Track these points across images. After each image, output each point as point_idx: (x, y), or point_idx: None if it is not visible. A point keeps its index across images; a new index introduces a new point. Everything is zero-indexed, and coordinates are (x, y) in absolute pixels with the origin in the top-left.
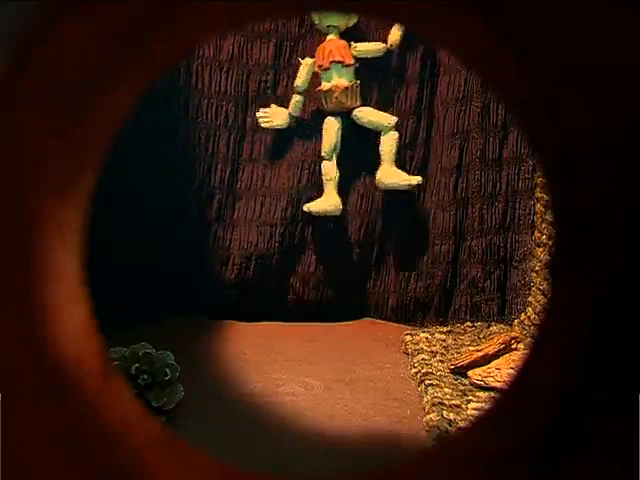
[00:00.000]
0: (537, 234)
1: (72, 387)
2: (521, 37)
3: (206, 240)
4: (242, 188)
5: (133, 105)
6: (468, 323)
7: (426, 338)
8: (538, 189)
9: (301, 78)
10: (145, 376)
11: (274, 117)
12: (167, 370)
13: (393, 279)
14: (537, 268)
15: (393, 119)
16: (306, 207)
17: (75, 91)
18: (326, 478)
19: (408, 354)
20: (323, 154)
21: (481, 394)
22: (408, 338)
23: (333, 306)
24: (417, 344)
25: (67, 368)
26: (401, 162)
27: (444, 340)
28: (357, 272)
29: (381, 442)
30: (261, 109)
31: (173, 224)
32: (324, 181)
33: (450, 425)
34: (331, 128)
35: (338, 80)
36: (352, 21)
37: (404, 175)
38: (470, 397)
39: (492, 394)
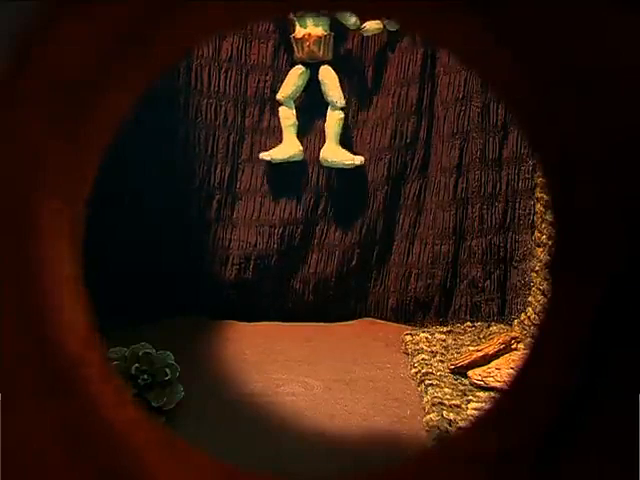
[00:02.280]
0: (537, 234)
1: (72, 387)
2: (520, 37)
3: (206, 240)
4: (242, 188)
5: (133, 105)
6: (468, 323)
7: (426, 338)
8: (538, 189)
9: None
10: (145, 376)
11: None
12: (167, 370)
13: (393, 279)
14: (537, 268)
15: (342, 99)
16: (266, 155)
17: (75, 91)
18: (326, 478)
19: (408, 354)
20: (279, 98)
21: (481, 394)
22: (408, 338)
23: (333, 306)
24: (417, 344)
25: (67, 368)
26: (402, 162)
27: (444, 340)
28: (357, 272)
29: (381, 442)
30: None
31: (173, 224)
32: (283, 127)
33: (450, 425)
34: (294, 74)
35: (312, 28)
36: None
37: (347, 154)
38: (470, 397)
39: (492, 394)
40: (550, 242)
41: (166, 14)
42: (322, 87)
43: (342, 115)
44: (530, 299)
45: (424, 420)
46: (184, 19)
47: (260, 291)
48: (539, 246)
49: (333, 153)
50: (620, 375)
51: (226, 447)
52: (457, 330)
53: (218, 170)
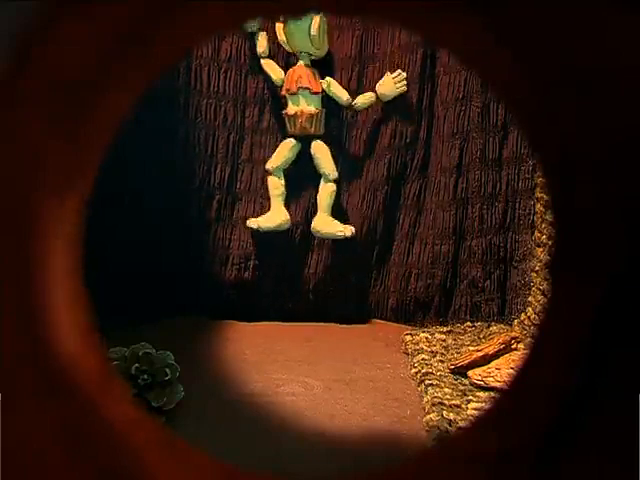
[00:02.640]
0: (537, 234)
1: (72, 387)
2: (520, 37)
3: (206, 240)
4: (241, 188)
5: (133, 105)
6: (468, 323)
7: (426, 338)
8: (538, 189)
9: (262, 47)
10: (145, 376)
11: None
12: (167, 370)
13: (393, 279)
14: (537, 268)
15: (335, 172)
16: (253, 223)
17: (75, 91)
18: (326, 478)
19: (408, 354)
20: (269, 167)
21: (481, 394)
22: (408, 338)
23: (333, 306)
24: (417, 344)
25: (67, 368)
26: (402, 162)
27: (444, 340)
28: (357, 272)
29: (381, 442)
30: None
31: (173, 224)
32: (271, 196)
33: (450, 425)
34: (285, 147)
35: (305, 106)
36: (322, 51)
37: (339, 225)
38: (470, 397)
39: (492, 394)
40: (550, 242)
41: (166, 14)
42: (314, 160)
43: (334, 187)
44: (530, 299)
45: (424, 420)
46: (184, 19)
47: (260, 291)
48: (539, 246)
49: (324, 224)
50: (620, 375)
51: (226, 447)
52: (457, 330)
53: (218, 170)
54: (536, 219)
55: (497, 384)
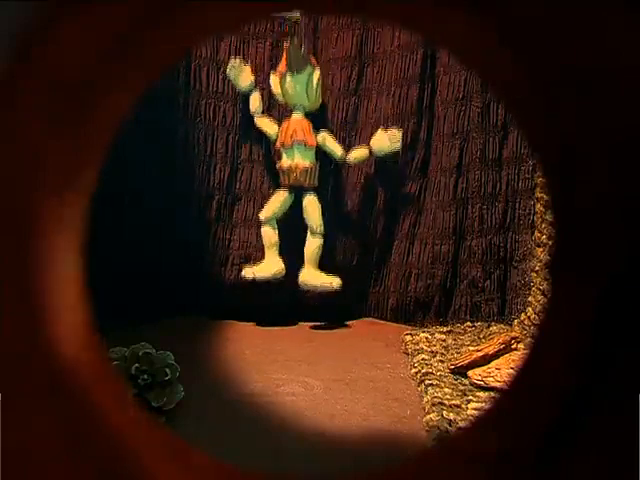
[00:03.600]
0: (537, 234)
1: (72, 387)
2: (521, 37)
3: (206, 240)
4: (241, 188)
5: (133, 105)
6: (468, 323)
7: (426, 338)
8: (538, 189)
9: (255, 106)
10: (145, 376)
11: (240, 77)
12: (167, 370)
13: (393, 279)
14: (537, 268)
15: (322, 227)
16: (250, 273)
17: (75, 91)
18: (326, 478)
19: (408, 354)
20: (262, 218)
21: (481, 394)
22: (408, 338)
23: (333, 306)
24: (417, 344)
25: (67, 368)
26: (402, 163)
27: (444, 340)
28: (357, 272)
29: (381, 442)
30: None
31: (173, 224)
32: (265, 246)
33: (450, 425)
34: (277, 199)
35: (299, 160)
36: (317, 104)
37: (324, 278)
38: (470, 397)
39: (492, 394)
40: (550, 242)
41: (166, 14)
42: (304, 213)
43: (321, 241)
44: (530, 299)
45: (424, 420)
46: (184, 19)
47: (260, 291)
48: (539, 246)
49: (311, 277)
50: (620, 375)
51: (226, 447)
52: (457, 330)
53: (217, 170)
54: (536, 219)
55: (497, 384)
